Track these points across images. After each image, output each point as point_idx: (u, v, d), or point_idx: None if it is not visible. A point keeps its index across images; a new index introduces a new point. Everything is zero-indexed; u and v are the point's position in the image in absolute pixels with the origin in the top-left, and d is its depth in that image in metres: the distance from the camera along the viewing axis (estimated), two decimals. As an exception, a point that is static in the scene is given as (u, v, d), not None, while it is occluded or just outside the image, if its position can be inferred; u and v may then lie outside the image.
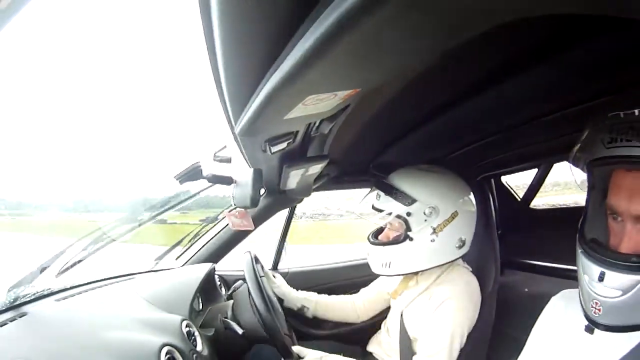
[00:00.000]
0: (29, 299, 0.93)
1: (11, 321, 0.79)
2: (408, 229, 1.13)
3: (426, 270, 1.18)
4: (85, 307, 0.98)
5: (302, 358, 1.11)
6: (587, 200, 0.67)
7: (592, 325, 0.61)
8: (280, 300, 1.39)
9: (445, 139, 1.18)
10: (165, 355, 0.81)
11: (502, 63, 0.70)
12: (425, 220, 1.11)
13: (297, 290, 1.47)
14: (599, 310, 0.58)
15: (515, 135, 1.08)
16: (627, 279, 0.55)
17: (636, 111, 0.57)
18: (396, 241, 1.15)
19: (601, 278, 0.57)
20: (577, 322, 0.65)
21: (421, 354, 1.14)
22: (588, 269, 0.60)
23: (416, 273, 1.21)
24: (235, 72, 0.48)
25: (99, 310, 0.97)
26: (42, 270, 0.97)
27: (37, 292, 0.98)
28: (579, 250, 0.63)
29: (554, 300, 0.79)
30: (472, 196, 1.23)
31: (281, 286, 1.43)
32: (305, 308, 1.42)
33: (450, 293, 1.12)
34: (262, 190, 1.55)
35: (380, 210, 1.14)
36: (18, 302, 0.89)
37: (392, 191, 1.14)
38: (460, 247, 1.16)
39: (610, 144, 0.58)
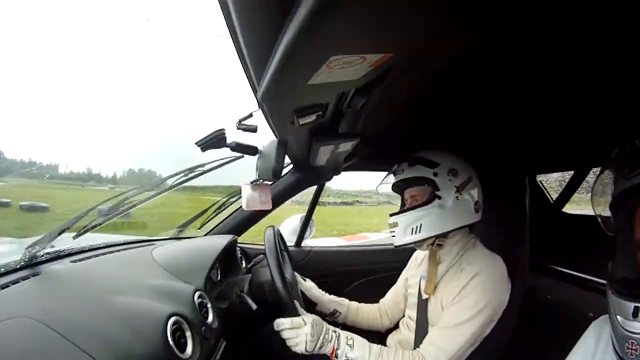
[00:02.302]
0: (45, 259, 0.92)
1: (24, 279, 0.78)
2: (436, 189, 1.17)
3: (450, 238, 1.20)
4: (99, 270, 0.97)
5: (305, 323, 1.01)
6: (616, 244, 0.63)
7: None
8: (313, 304, 1.37)
9: (482, 133, 1.15)
10: (173, 325, 0.77)
11: (543, 59, 0.64)
12: (449, 180, 1.17)
13: (319, 270, 1.44)
14: (635, 350, 0.53)
15: (553, 135, 1.08)
16: None
17: None
18: (427, 202, 1.18)
19: (635, 314, 0.53)
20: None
21: (440, 325, 1.09)
22: (619, 308, 0.56)
23: (441, 246, 1.21)
24: (251, 26, 0.43)
25: (112, 274, 0.95)
26: (62, 231, 0.95)
27: (55, 252, 0.97)
28: (609, 292, 0.59)
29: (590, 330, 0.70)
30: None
31: (312, 289, 1.41)
32: (337, 313, 1.39)
33: (478, 268, 1.11)
34: (291, 165, 1.52)
35: (407, 179, 1.20)
36: (34, 261, 0.89)
37: (415, 160, 1.20)
38: (477, 210, 1.20)
39: (631, 174, 0.57)
